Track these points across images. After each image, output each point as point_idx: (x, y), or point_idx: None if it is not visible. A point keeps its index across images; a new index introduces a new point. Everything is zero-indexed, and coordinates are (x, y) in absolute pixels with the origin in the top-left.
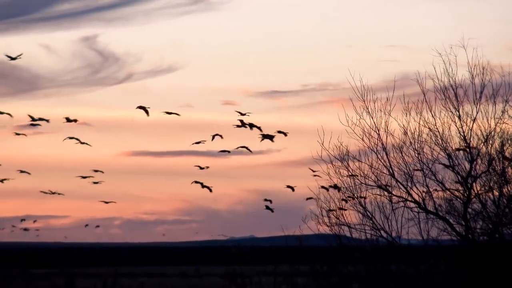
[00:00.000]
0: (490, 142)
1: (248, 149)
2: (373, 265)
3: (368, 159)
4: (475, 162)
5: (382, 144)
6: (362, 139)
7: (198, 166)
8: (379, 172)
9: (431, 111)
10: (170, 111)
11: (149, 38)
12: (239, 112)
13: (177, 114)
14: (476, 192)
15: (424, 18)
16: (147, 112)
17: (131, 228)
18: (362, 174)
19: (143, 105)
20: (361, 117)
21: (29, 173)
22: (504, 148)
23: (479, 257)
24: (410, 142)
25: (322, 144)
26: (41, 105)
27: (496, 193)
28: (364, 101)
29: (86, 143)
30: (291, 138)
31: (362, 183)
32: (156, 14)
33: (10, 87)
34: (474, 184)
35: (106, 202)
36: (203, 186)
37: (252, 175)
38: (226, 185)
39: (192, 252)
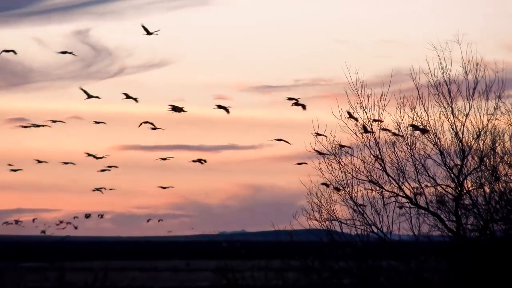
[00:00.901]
0: (482, 138)
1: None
2: (364, 260)
3: (361, 154)
4: (466, 159)
5: (375, 138)
6: (355, 134)
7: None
8: (371, 167)
9: (424, 107)
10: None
11: (142, 32)
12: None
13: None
14: (467, 188)
15: (418, 13)
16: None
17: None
18: (354, 169)
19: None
20: (355, 111)
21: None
22: (496, 144)
23: (469, 253)
24: (403, 137)
25: (316, 136)
26: (33, 99)
27: (487, 190)
28: (358, 96)
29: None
30: (283, 132)
31: (353, 177)
32: (148, 8)
33: (3, 81)
34: (465, 180)
35: (164, 188)
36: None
37: (244, 170)
38: (218, 180)
39: (184, 246)
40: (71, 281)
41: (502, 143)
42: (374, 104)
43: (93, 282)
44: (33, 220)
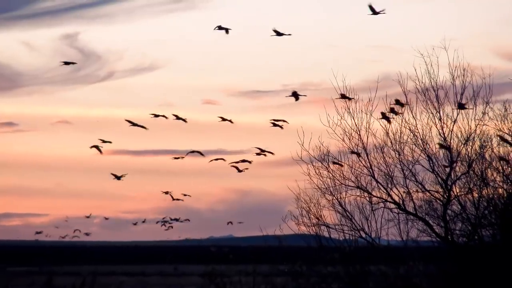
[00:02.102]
0: (470, 143)
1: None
2: (352, 265)
3: (349, 160)
4: (455, 164)
5: (363, 144)
6: (343, 140)
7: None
8: (359, 172)
9: (412, 112)
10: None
11: (131, 36)
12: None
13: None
14: (455, 194)
15: (406, 19)
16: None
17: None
18: (342, 175)
19: (124, 103)
20: (342, 117)
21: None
22: (484, 149)
23: (458, 259)
24: (391, 143)
25: (302, 144)
26: (22, 103)
27: (476, 195)
28: (346, 102)
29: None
30: (272, 138)
31: (342, 183)
32: (137, 12)
33: None
34: (454, 186)
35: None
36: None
37: (232, 175)
38: (206, 184)
39: (172, 251)
40: (59, 286)
41: (490, 149)
42: (361, 110)
43: (81, 287)
44: None
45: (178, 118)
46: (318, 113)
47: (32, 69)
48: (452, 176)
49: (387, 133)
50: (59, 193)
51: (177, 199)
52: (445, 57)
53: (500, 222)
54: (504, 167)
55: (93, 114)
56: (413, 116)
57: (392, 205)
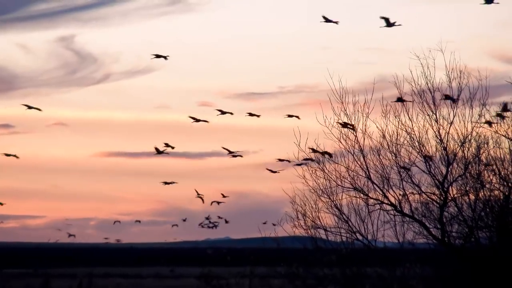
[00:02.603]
0: (467, 145)
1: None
2: (349, 267)
3: (345, 161)
4: (451, 166)
5: (359, 146)
6: (339, 141)
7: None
8: (355, 174)
9: (408, 114)
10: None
11: (127, 38)
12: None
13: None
14: (452, 195)
15: (402, 21)
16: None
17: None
18: (338, 176)
19: (120, 105)
20: (339, 118)
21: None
22: (480, 151)
23: (454, 261)
24: (388, 145)
25: (299, 145)
26: (17, 105)
27: (472, 197)
28: (342, 103)
29: None
30: (267, 140)
31: (338, 185)
32: (133, 14)
33: None
34: (450, 187)
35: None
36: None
37: (228, 177)
38: (202, 186)
39: (168, 253)
40: None
41: (486, 151)
42: (358, 111)
43: None
44: None
45: (223, 112)
46: (314, 114)
47: (28, 71)
48: (449, 178)
49: (384, 135)
50: (55, 195)
51: (217, 202)
52: (442, 59)
53: (497, 224)
54: (500, 168)
55: (89, 116)
56: (409, 118)
57: (389, 207)
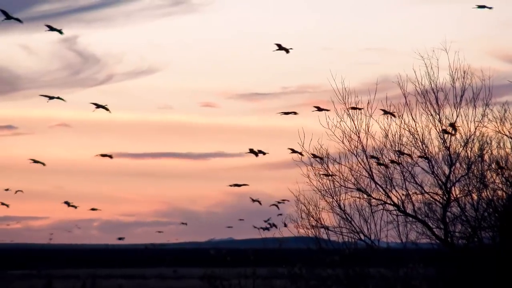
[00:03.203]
0: (470, 146)
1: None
2: (352, 268)
3: (348, 162)
4: (454, 166)
5: (362, 146)
6: (342, 142)
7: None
8: (358, 174)
9: (411, 114)
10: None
11: (130, 39)
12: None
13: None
14: (455, 196)
15: (406, 21)
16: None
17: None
18: (341, 177)
19: (123, 106)
20: (342, 119)
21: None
22: (484, 151)
23: (457, 261)
24: (391, 145)
25: (302, 146)
26: (20, 106)
27: (475, 197)
28: (345, 104)
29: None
30: (270, 140)
31: (341, 185)
32: (136, 15)
33: None
34: (453, 188)
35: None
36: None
37: (231, 177)
38: (205, 187)
39: (171, 254)
40: None
41: (489, 151)
42: (361, 112)
43: None
44: None
45: (287, 113)
46: (318, 115)
47: (30, 72)
48: (452, 178)
49: (387, 135)
50: (58, 196)
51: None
52: (445, 59)
53: (500, 224)
54: (504, 169)
55: (92, 117)
56: (412, 118)
57: (392, 207)
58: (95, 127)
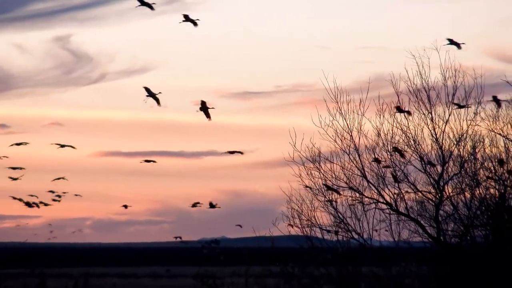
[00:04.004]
0: (462, 144)
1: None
2: (344, 266)
3: (340, 161)
4: (447, 165)
5: (355, 145)
6: (335, 141)
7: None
8: (351, 173)
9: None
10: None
11: (123, 38)
12: None
13: (241, 153)
14: (448, 194)
15: (398, 20)
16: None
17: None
18: (333, 176)
19: (116, 105)
20: (334, 118)
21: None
22: (476, 150)
23: (450, 259)
24: (383, 143)
25: (294, 145)
26: (14, 105)
27: (468, 195)
28: (337, 103)
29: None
30: (263, 139)
31: (334, 184)
32: (129, 14)
33: None
34: (446, 186)
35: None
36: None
37: (224, 176)
38: (198, 186)
39: (164, 252)
40: (52, 287)
41: (482, 149)
42: (353, 111)
43: None
44: None
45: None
46: (310, 114)
47: (24, 71)
48: (444, 177)
49: (379, 134)
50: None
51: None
52: (437, 58)
53: (492, 223)
54: (496, 167)
55: (85, 116)
56: (405, 117)
57: (384, 206)
58: (88, 126)
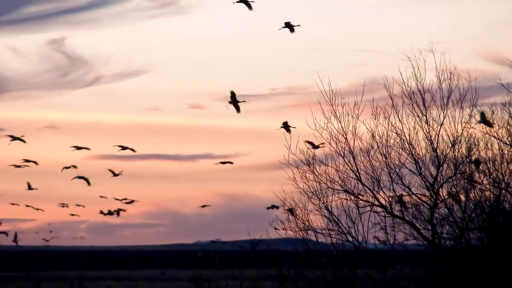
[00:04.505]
0: (457, 147)
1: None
2: (339, 269)
3: (335, 163)
4: (441, 167)
5: (349, 148)
6: (330, 144)
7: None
8: (345, 176)
9: (398, 116)
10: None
11: (118, 41)
12: None
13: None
14: (442, 197)
15: (393, 22)
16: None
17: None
18: (328, 179)
19: (111, 108)
20: (329, 121)
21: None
22: (471, 152)
23: (445, 262)
24: (378, 146)
25: (289, 148)
26: (8, 108)
27: (463, 198)
28: (332, 105)
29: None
30: (258, 142)
31: (328, 187)
32: (124, 17)
33: None
34: (440, 189)
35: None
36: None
37: (219, 179)
38: (193, 189)
39: (159, 255)
40: None
41: (477, 152)
42: (347, 114)
43: None
44: None
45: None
46: (305, 117)
47: (18, 74)
48: (439, 180)
49: (373, 136)
50: (46, 198)
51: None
52: (432, 60)
53: (487, 225)
54: (491, 169)
55: (80, 119)
56: (399, 120)
57: (379, 209)
58: (83, 129)
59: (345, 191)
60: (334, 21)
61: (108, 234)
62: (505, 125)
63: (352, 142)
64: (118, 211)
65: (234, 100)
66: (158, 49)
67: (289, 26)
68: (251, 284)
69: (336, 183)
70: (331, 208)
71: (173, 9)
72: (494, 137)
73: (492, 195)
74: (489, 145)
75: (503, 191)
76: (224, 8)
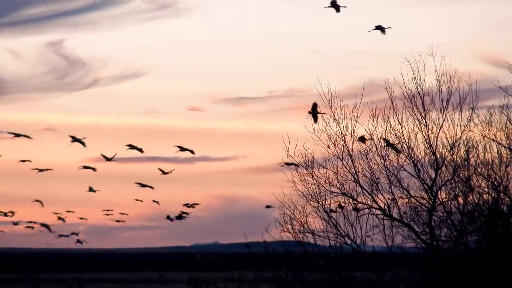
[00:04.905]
0: (456, 150)
1: None
2: (337, 272)
3: (334, 166)
4: (440, 170)
5: (348, 150)
6: (328, 146)
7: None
8: (344, 179)
9: (398, 118)
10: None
11: (116, 43)
12: None
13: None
14: (441, 200)
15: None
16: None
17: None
18: (327, 181)
19: (109, 110)
20: (328, 124)
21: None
22: (470, 155)
23: (443, 265)
24: (376, 148)
25: (288, 151)
26: (6, 110)
27: (461, 201)
28: (331, 108)
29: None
30: (256, 144)
31: (327, 190)
32: (123, 19)
33: None
34: (439, 192)
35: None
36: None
37: (217, 181)
38: (191, 191)
39: (157, 258)
40: None
41: (476, 155)
42: (346, 117)
43: None
44: None
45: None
46: (303, 120)
47: (17, 76)
48: (438, 182)
49: (372, 139)
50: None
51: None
52: (432, 63)
53: (485, 228)
54: (490, 172)
55: (78, 121)
56: (399, 122)
57: (378, 211)
58: (81, 131)
59: (344, 193)
60: (333, 24)
61: (106, 237)
62: (503, 128)
63: (350, 144)
64: (181, 215)
65: (314, 111)
66: (156, 51)
67: (380, 28)
68: (249, 287)
69: (334, 186)
70: (329, 211)
71: (172, 11)
72: (493, 140)
73: (490, 198)
74: (487, 148)
75: (501, 194)
76: (222, 11)
